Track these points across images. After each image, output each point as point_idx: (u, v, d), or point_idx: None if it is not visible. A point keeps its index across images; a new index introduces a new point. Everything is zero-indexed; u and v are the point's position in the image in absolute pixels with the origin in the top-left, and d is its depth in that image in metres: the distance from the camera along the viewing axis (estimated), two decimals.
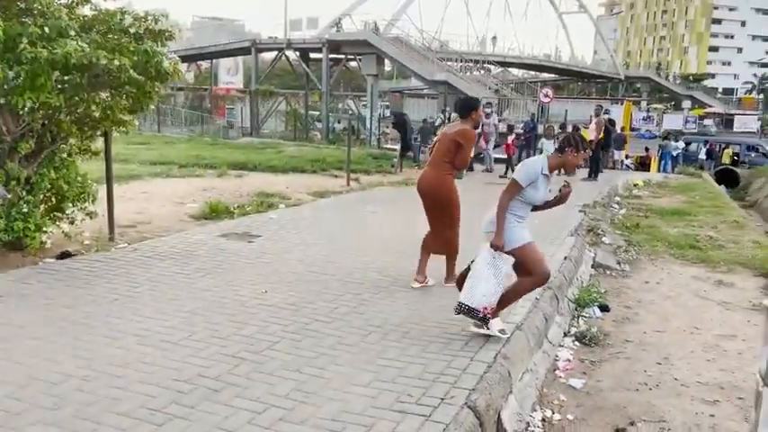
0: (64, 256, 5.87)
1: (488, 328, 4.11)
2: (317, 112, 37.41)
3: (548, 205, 4.26)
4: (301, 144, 23.95)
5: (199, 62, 46.31)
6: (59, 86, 5.36)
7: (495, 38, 52.56)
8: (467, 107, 5.43)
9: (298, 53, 39.53)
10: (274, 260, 6.14)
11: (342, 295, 5.05)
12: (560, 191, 4.21)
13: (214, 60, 43.26)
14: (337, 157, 15.74)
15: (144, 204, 8.96)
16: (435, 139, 5.93)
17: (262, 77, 39.97)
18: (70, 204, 6.34)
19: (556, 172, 4.26)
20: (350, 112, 37.83)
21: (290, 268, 5.85)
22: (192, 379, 3.41)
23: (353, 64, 41.41)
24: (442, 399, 3.24)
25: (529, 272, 4.15)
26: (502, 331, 4.14)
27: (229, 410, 3.08)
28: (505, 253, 4.09)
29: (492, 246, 4.05)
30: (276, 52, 40.86)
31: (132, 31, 5.70)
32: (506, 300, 4.20)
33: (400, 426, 2.96)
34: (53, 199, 6.24)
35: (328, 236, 7.37)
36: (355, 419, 3.02)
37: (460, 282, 4.28)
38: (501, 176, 14.96)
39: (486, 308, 4.03)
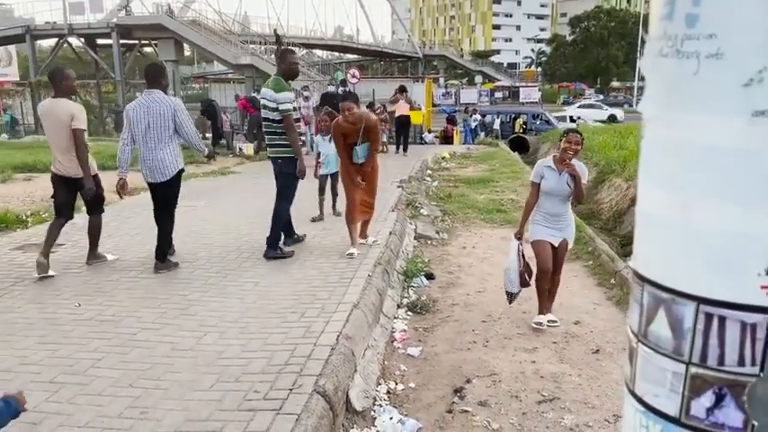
0: None
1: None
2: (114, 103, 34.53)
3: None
4: (99, 138, 21.95)
5: None
6: None
7: (340, 26, 53.02)
8: None
9: (83, 39, 36.04)
10: (84, 269, 5.59)
11: (168, 298, 4.73)
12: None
13: None
14: None
15: None
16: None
17: (42, 68, 35.81)
18: None
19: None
20: None
21: (104, 276, 5.36)
22: None
23: (149, 50, 38.76)
24: (291, 389, 3.18)
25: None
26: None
27: None
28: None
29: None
30: (57, 39, 36.85)
31: None
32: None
33: (251, 424, 2.86)
34: None
35: (144, 236, 6.86)
36: (201, 427, 2.86)
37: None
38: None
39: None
